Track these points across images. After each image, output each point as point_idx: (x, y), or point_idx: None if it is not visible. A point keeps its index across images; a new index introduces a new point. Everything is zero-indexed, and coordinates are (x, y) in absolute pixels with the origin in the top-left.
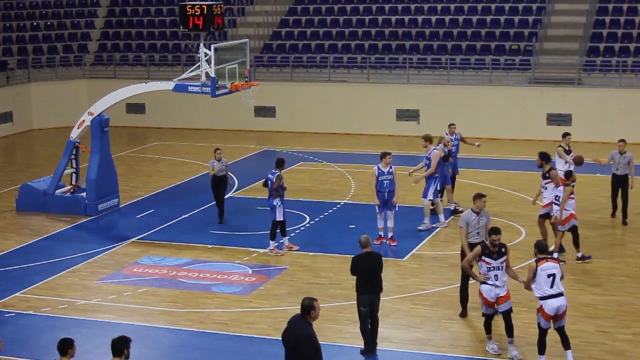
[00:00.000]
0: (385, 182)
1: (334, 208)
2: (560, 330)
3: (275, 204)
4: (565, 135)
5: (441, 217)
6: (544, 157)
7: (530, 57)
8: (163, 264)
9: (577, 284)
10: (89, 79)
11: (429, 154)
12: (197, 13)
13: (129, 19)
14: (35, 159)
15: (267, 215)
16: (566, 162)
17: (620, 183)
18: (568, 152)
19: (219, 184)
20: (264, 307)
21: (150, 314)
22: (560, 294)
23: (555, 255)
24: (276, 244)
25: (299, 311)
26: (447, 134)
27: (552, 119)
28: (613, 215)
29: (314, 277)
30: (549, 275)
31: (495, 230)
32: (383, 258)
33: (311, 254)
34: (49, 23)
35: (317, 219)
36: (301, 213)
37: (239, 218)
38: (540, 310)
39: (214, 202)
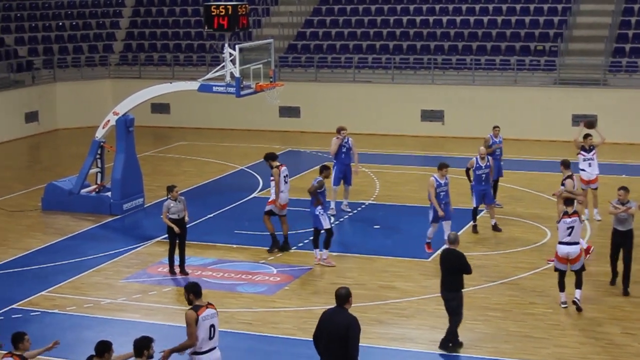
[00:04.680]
0: (442, 193)
1: (359, 208)
2: (576, 272)
3: (317, 213)
4: (587, 136)
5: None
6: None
7: (556, 57)
8: (188, 263)
9: (602, 286)
10: (114, 79)
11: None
12: (222, 13)
13: (154, 19)
14: (61, 159)
15: (291, 215)
16: None
17: (622, 241)
18: (589, 150)
19: (180, 228)
20: (289, 307)
21: (175, 313)
22: (573, 243)
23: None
24: (328, 252)
25: (322, 311)
26: (491, 136)
27: (577, 119)
28: (612, 282)
29: (338, 278)
30: (568, 228)
31: None
32: (412, 259)
33: (335, 254)
34: (74, 23)
35: (341, 219)
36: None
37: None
38: (555, 254)
39: (170, 247)
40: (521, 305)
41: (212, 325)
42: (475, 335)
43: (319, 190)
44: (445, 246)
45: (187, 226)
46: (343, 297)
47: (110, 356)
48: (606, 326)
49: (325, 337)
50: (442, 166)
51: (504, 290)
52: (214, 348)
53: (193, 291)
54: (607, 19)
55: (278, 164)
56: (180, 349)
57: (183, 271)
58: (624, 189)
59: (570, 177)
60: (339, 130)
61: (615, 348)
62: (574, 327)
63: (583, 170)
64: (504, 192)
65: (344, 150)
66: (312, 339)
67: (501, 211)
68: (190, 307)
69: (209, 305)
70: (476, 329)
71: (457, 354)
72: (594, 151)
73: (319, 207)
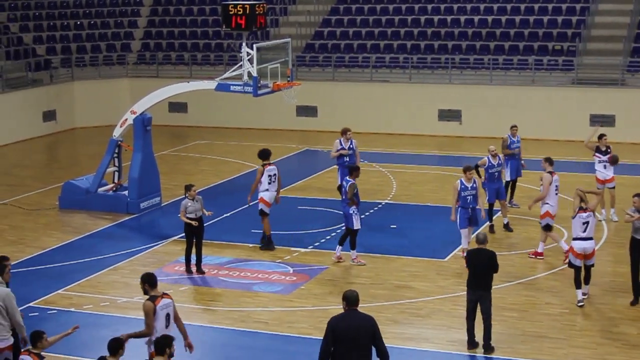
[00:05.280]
0: (469, 197)
1: (375, 208)
2: (587, 268)
3: (352, 212)
4: (602, 136)
5: None
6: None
7: (574, 57)
8: (204, 262)
9: (618, 286)
10: (131, 78)
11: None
12: (239, 12)
13: (172, 19)
14: (78, 157)
15: (308, 214)
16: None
17: None
18: (605, 152)
19: (197, 226)
20: (305, 306)
21: (192, 312)
22: (589, 239)
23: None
24: (356, 252)
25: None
26: (509, 136)
27: (595, 119)
28: (633, 302)
29: (355, 277)
30: (583, 223)
31: None
32: (428, 259)
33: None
34: (92, 22)
35: None
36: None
37: (280, 217)
38: (571, 249)
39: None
40: (537, 306)
41: (168, 315)
42: (492, 336)
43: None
44: (474, 246)
45: (205, 225)
46: (356, 299)
47: (123, 352)
48: (622, 327)
49: (350, 342)
50: (467, 169)
51: (520, 290)
52: None
53: (148, 282)
54: (625, 19)
55: (265, 162)
56: (137, 336)
57: (200, 270)
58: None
59: (550, 173)
60: (345, 131)
61: (631, 349)
62: (590, 327)
63: (598, 170)
64: (521, 192)
65: (350, 152)
66: (322, 351)
67: (518, 211)
68: (148, 297)
69: (164, 295)
70: (492, 329)
71: (475, 354)
72: (610, 154)
73: (354, 207)
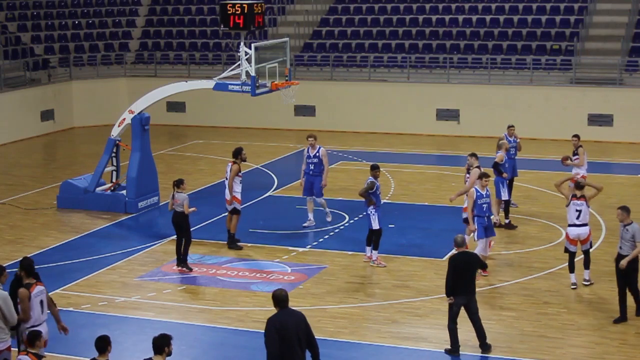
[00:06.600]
0: (485, 205)
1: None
2: (585, 253)
3: (369, 212)
4: (574, 136)
5: (310, 215)
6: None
7: (572, 57)
8: (202, 262)
9: (615, 285)
10: (129, 77)
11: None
12: (237, 12)
13: (170, 18)
14: (76, 157)
15: (306, 214)
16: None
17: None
18: (573, 154)
19: (186, 219)
20: (303, 306)
21: (190, 311)
22: (582, 225)
23: None
24: (378, 253)
25: (338, 310)
26: (506, 136)
27: (593, 119)
28: (618, 319)
29: (352, 277)
30: (576, 210)
31: None
32: (426, 259)
33: (350, 253)
34: (90, 21)
35: (356, 218)
36: (340, 212)
37: (278, 217)
38: (566, 236)
39: (176, 241)
40: (535, 305)
41: (42, 301)
42: (490, 335)
43: (370, 191)
44: (453, 251)
45: (203, 224)
46: (287, 297)
47: (111, 349)
48: (620, 326)
49: (293, 339)
50: (482, 175)
51: (518, 290)
52: (45, 321)
53: (25, 269)
54: (623, 18)
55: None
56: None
57: (187, 266)
58: (623, 208)
59: (478, 167)
60: (307, 137)
61: (629, 348)
62: (588, 326)
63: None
64: (519, 192)
65: (316, 160)
66: (269, 343)
67: (516, 210)
68: (23, 285)
69: (37, 283)
70: (490, 329)
71: (472, 354)
72: (576, 157)
73: (371, 207)
